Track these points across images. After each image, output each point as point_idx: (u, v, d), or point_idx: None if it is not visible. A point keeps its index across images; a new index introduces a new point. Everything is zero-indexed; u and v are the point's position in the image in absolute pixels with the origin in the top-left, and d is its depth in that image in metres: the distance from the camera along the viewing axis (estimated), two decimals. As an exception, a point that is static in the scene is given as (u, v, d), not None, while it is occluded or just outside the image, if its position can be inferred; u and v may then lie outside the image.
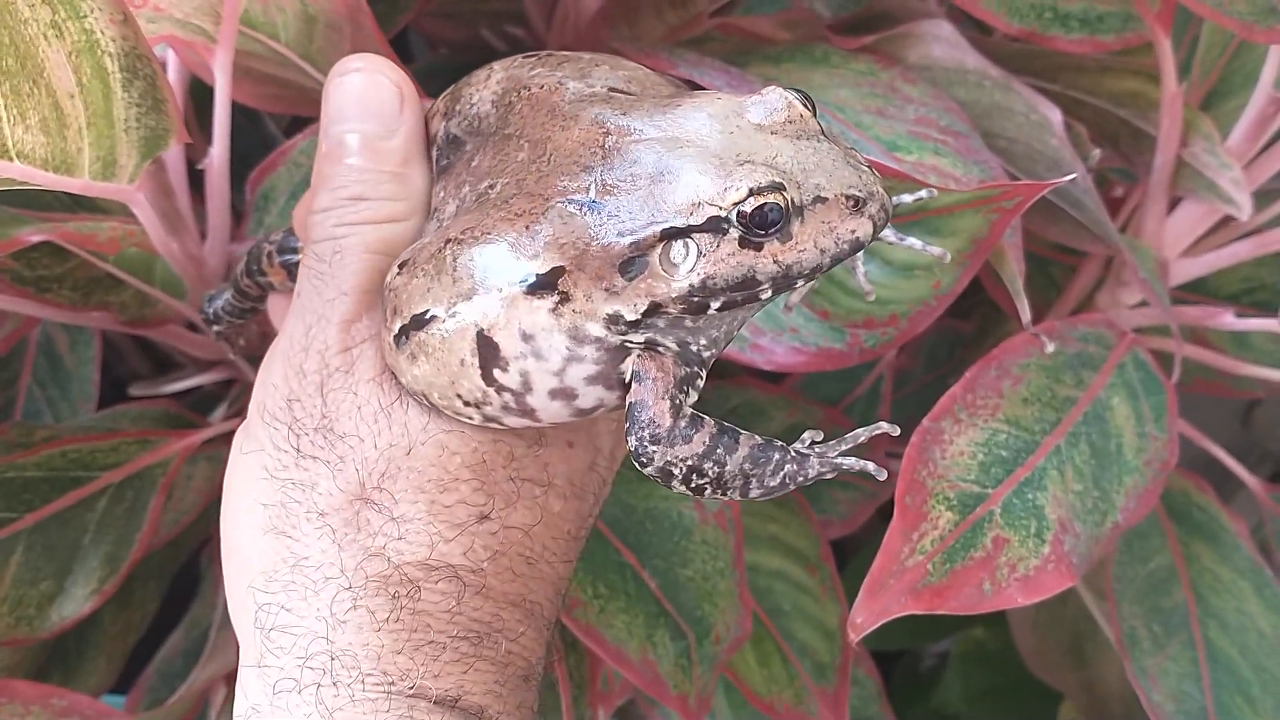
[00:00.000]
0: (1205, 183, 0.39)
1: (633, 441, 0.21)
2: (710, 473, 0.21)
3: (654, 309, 0.20)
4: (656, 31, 0.41)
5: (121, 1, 0.23)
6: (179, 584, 0.45)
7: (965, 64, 0.37)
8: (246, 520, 0.22)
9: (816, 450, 0.23)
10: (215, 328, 0.34)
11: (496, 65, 0.24)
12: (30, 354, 0.43)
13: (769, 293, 0.21)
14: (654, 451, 0.21)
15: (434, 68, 0.50)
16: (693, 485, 0.22)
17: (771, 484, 0.22)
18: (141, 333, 0.38)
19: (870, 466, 0.23)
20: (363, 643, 0.21)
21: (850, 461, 0.23)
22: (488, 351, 0.20)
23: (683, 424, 0.21)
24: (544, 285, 0.20)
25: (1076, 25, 0.35)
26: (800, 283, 0.21)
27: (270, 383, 0.23)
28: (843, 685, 0.36)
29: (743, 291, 0.20)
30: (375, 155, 0.23)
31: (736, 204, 0.19)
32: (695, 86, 0.33)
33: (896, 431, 0.24)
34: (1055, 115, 0.36)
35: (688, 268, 0.20)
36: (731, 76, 0.34)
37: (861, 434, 0.23)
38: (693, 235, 0.20)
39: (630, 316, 0.20)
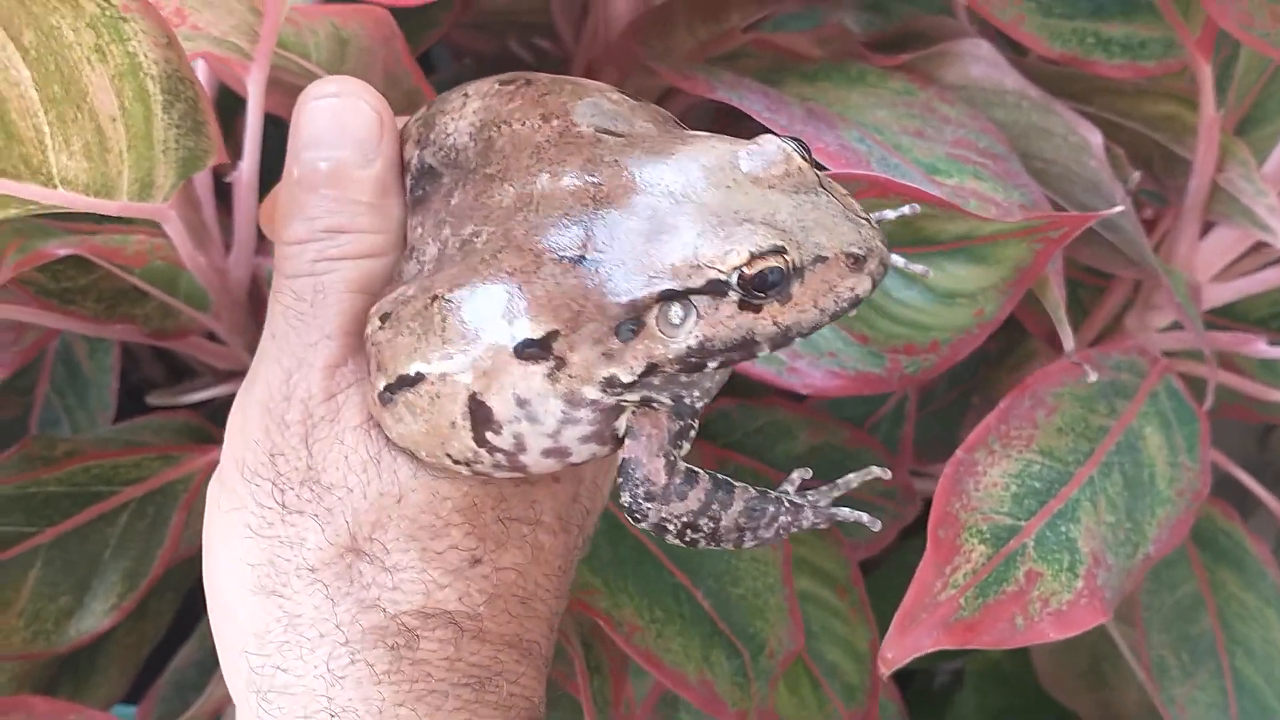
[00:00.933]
0: (1240, 208, 0.38)
1: (626, 498, 0.21)
2: (705, 528, 0.21)
3: (650, 369, 0.20)
4: (687, 46, 0.40)
5: (165, 24, 0.23)
6: (192, 594, 0.44)
7: (1004, 84, 0.37)
8: (232, 580, 0.21)
9: (810, 499, 0.23)
10: None
11: (471, 90, 0.23)
12: (49, 362, 0.42)
13: (766, 351, 0.20)
14: (649, 509, 0.21)
15: (458, 78, 0.49)
16: (687, 539, 0.22)
17: (765, 535, 0.22)
18: (163, 344, 0.37)
19: (865, 518, 0.23)
20: (363, 697, 0.20)
21: (844, 512, 0.23)
22: (480, 415, 0.20)
23: (677, 480, 0.21)
24: (538, 349, 0.19)
25: (1118, 50, 0.35)
26: (799, 340, 0.20)
27: (250, 437, 0.21)
28: (872, 708, 0.36)
29: (740, 352, 0.20)
30: (353, 185, 0.21)
31: (737, 267, 0.19)
32: (732, 110, 0.33)
33: (888, 475, 0.24)
34: (1095, 138, 0.36)
35: (686, 330, 0.20)
36: (770, 99, 0.33)
37: (853, 479, 0.23)
38: (691, 297, 0.19)
39: (626, 379, 0.20)
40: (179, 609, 0.43)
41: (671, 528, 0.21)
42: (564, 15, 0.44)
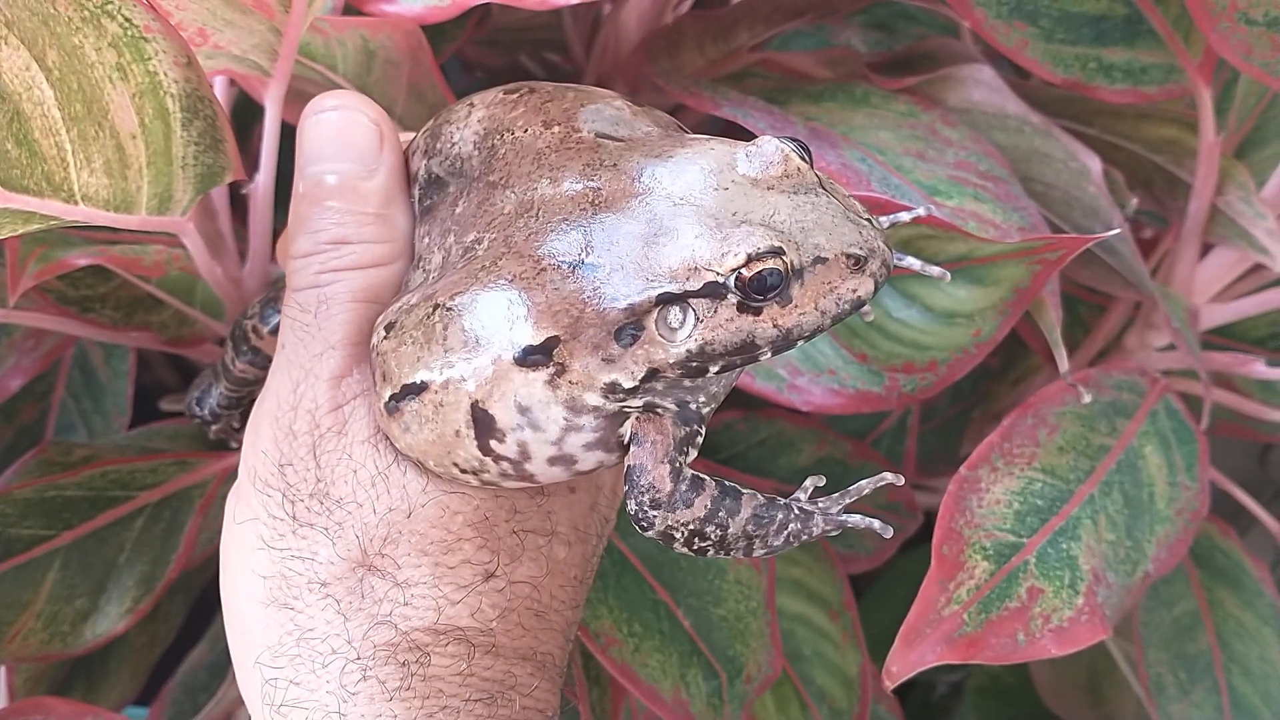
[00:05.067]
0: (1239, 231, 0.39)
1: (633, 506, 0.21)
2: (713, 535, 0.21)
3: (652, 374, 0.20)
4: (696, 64, 0.41)
5: (185, 44, 0.24)
6: (203, 597, 0.45)
7: (1006, 109, 0.37)
8: (246, 592, 0.21)
9: (820, 505, 0.22)
10: (213, 427, 0.31)
11: (476, 100, 0.23)
12: (65, 368, 0.43)
13: (769, 355, 0.20)
14: (654, 516, 0.21)
15: (470, 92, 0.50)
16: (695, 548, 0.21)
17: (775, 543, 0.22)
18: (178, 351, 0.38)
19: (876, 524, 0.23)
20: (375, 713, 0.20)
21: (855, 519, 0.23)
22: (483, 423, 0.20)
23: (683, 487, 0.21)
24: (539, 356, 0.19)
25: (1120, 76, 0.36)
26: (803, 342, 0.20)
27: (260, 447, 0.22)
28: (859, 733, 0.37)
29: (741, 355, 0.20)
30: (356, 196, 0.22)
31: (735, 269, 0.19)
32: (736, 127, 0.33)
33: (901, 481, 0.23)
34: (1095, 164, 0.36)
35: (685, 334, 0.19)
36: (775, 118, 0.34)
37: (866, 486, 0.23)
38: (690, 300, 0.19)
39: (628, 384, 0.20)
40: (190, 611, 0.44)
41: (678, 536, 0.21)
42: (576, 31, 0.45)
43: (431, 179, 0.22)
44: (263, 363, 0.27)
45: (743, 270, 0.19)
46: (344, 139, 0.22)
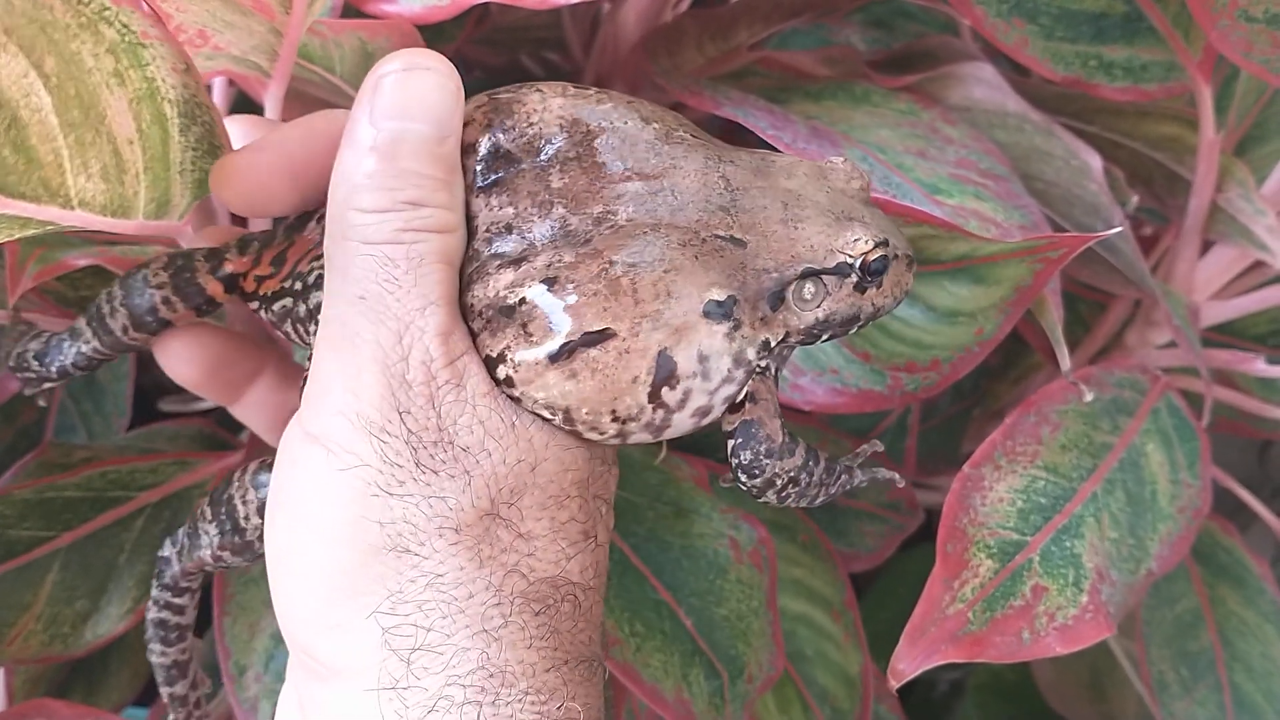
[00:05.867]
0: (1239, 228, 0.39)
1: (747, 456, 0.23)
2: (802, 482, 0.24)
3: (785, 337, 0.23)
4: (696, 63, 0.41)
5: (183, 51, 0.24)
6: (203, 597, 0.45)
7: (1006, 107, 0.37)
8: (349, 542, 0.20)
9: (846, 463, 0.26)
10: (44, 385, 0.28)
11: (544, 89, 0.24)
12: (64, 368, 0.43)
13: (857, 329, 0.24)
14: (767, 464, 0.23)
15: (468, 90, 0.50)
16: (784, 495, 0.24)
17: (832, 492, 0.25)
18: (179, 352, 0.38)
19: (896, 476, 0.27)
20: (518, 659, 0.20)
21: (882, 472, 0.27)
22: (664, 369, 0.21)
23: (787, 439, 0.24)
24: (723, 311, 0.22)
25: (1120, 74, 0.36)
26: (874, 321, 0.24)
27: (372, 392, 0.21)
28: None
29: (845, 327, 0.24)
30: (430, 161, 0.21)
31: (862, 254, 0.23)
32: (738, 127, 0.33)
33: (898, 480, 0.27)
34: (1096, 162, 0.36)
35: (815, 304, 0.23)
36: (775, 117, 0.34)
37: (866, 448, 0.27)
38: (823, 277, 0.23)
39: (773, 344, 0.23)
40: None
41: (779, 482, 0.24)
42: (575, 30, 0.45)
43: (498, 152, 0.23)
44: (197, 305, 0.26)
45: (867, 255, 0.23)
46: (427, 100, 0.21)
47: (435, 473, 0.21)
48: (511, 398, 0.21)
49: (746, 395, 0.23)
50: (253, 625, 0.35)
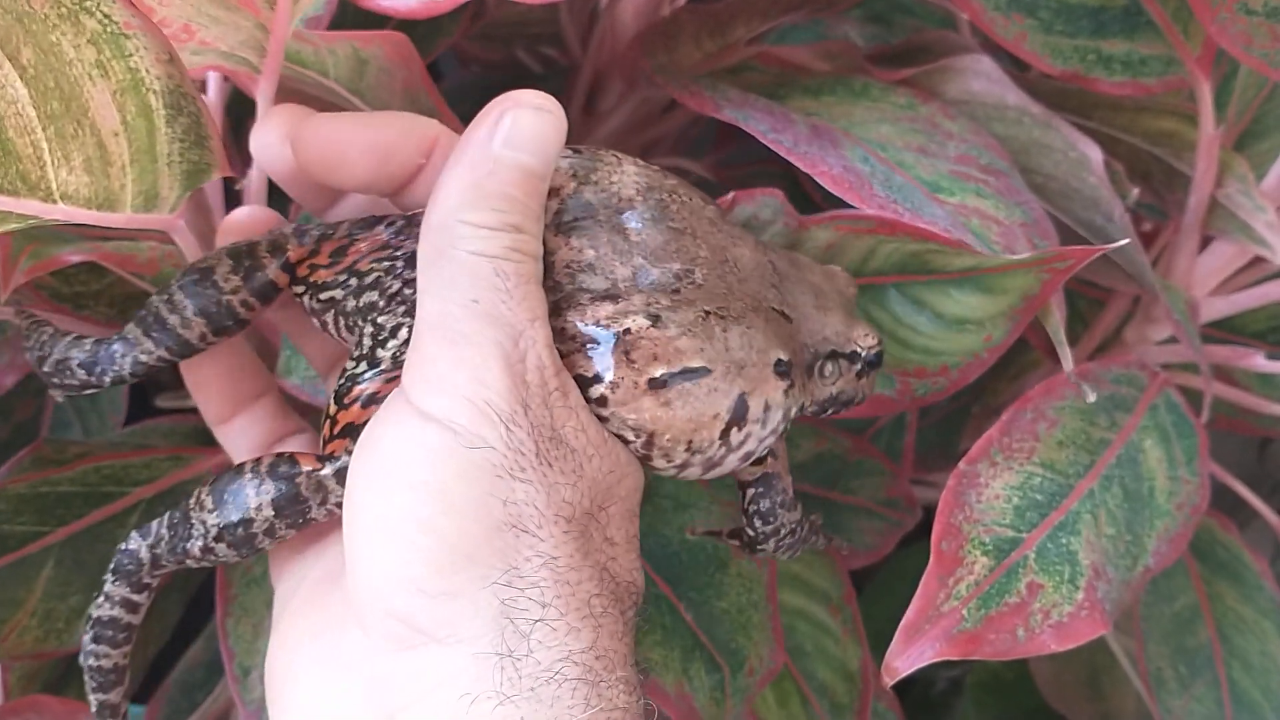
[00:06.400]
0: (1239, 224, 0.39)
1: (765, 504, 0.27)
2: (796, 534, 0.28)
3: (804, 406, 0.26)
4: (693, 58, 0.41)
5: (167, 41, 0.23)
6: (199, 595, 0.45)
7: (1005, 100, 0.37)
8: (475, 516, 0.21)
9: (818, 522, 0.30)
10: (88, 391, 0.27)
11: (621, 156, 0.26)
12: (60, 364, 0.43)
13: (844, 410, 0.27)
14: (782, 515, 0.27)
15: (464, 85, 0.50)
16: (780, 543, 0.28)
17: (804, 547, 0.29)
18: (174, 348, 0.38)
19: (845, 545, 0.33)
20: (614, 649, 0.21)
21: (837, 540, 0.32)
22: (739, 413, 0.23)
23: (792, 494, 0.27)
24: (785, 369, 0.24)
25: (1119, 68, 0.35)
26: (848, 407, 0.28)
27: (499, 382, 0.22)
28: (860, 729, 0.36)
29: (840, 405, 0.27)
30: (532, 194, 0.23)
31: (869, 347, 0.27)
32: (737, 130, 0.33)
33: (836, 545, 0.33)
34: (1095, 154, 0.36)
35: (832, 381, 0.27)
36: (775, 119, 0.33)
37: (816, 518, 0.30)
38: (840, 360, 0.27)
39: (801, 409, 0.26)
40: (186, 610, 0.44)
41: (783, 532, 0.27)
42: (572, 26, 0.44)
43: (579, 200, 0.25)
44: (258, 298, 0.26)
45: (872, 349, 0.27)
46: (542, 138, 0.23)
47: (551, 465, 0.22)
48: (599, 417, 0.23)
49: (770, 451, 0.26)
50: (256, 626, 0.34)
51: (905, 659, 0.27)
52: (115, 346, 0.26)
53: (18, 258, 0.31)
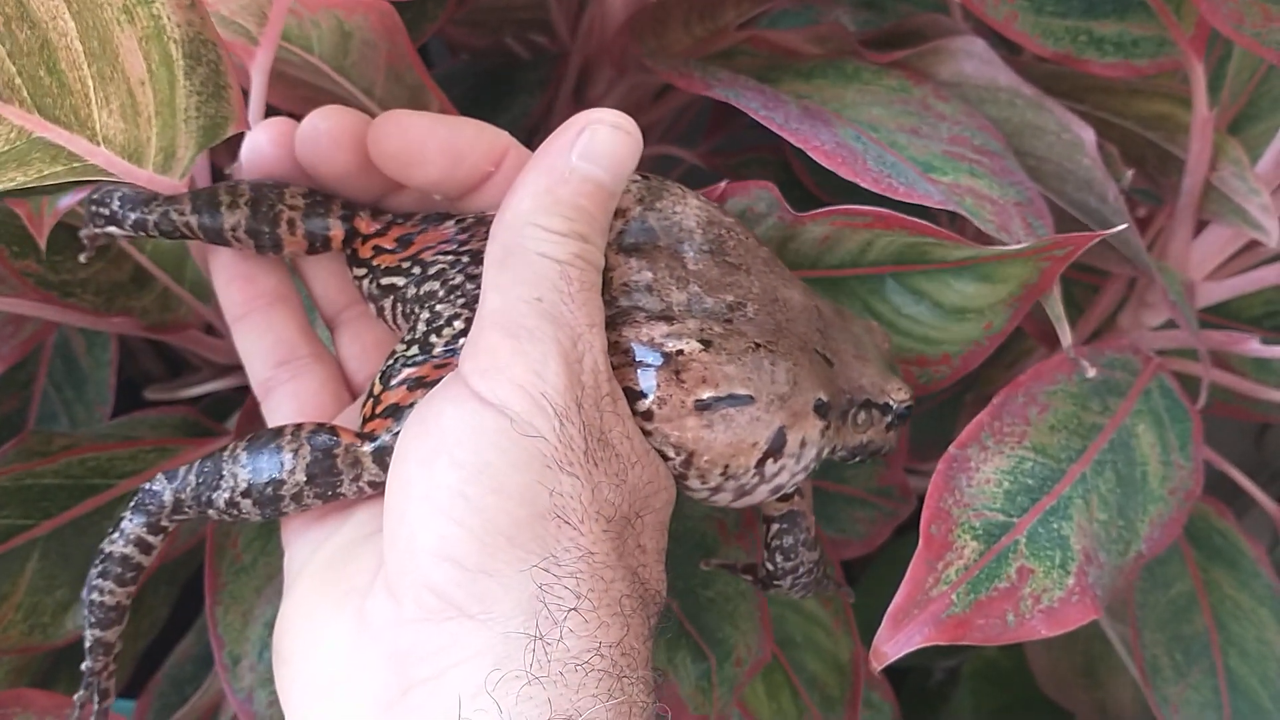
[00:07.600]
0: (1233, 208, 0.38)
1: (789, 540, 0.28)
2: (813, 574, 0.29)
3: (833, 450, 0.27)
4: (683, 43, 0.40)
5: (188, -18, 0.23)
6: (188, 588, 0.45)
7: (997, 81, 0.37)
8: (523, 500, 0.22)
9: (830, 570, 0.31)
10: (111, 229, 0.27)
11: (685, 189, 0.27)
12: (46, 356, 0.43)
13: (867, 459, 0.28)
14: (803, 554, 0.28)
15: (454, 73, 0.49)
16: (797, 581, 0.29)
17: (815, 590, 0.30)
18: (161, 337, 0.38)
19: (850, 592, 0.34)
20: (638, 649, 0.22)
21: (843, 588, 0.33)
22: (776, 445, 0.24)
23: (814, 534, 0.28)
24: (824, 410, 0.25)
25: (1111, 50, 0.35)
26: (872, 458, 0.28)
27: (558, 378, 0.22)
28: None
29: (867, 452, 0.28)
30: (602, 210, 0.24)
31: (900, 401, 0.28)
32: (728, 118, 0.33)
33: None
34: (1089, 135, 0.36)
35: (863, 429, 0.27)
36: (766, 97, 0.33)
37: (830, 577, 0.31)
38: (873, 410, 0.27)
39: (831, 451, 0.26)
40: (175, 604, 0.43)
41: (801, 570, 0.28)
42: (560, 11, 0.44)
43: (644, 226, 0.26)
44: (269, 243, 0.26)
45: (903, 403, 0.28)
46: (617, 156, 0.24)
47: (597, 465, 0.22)
48: (643, 430, 0.24)
49: (797, 490, 0.26)
50: (246, 614, 0.34)
51: (893, 644, 0.27)
52: (156, 199, 0.27)
53: (41, 206, 0.31)
